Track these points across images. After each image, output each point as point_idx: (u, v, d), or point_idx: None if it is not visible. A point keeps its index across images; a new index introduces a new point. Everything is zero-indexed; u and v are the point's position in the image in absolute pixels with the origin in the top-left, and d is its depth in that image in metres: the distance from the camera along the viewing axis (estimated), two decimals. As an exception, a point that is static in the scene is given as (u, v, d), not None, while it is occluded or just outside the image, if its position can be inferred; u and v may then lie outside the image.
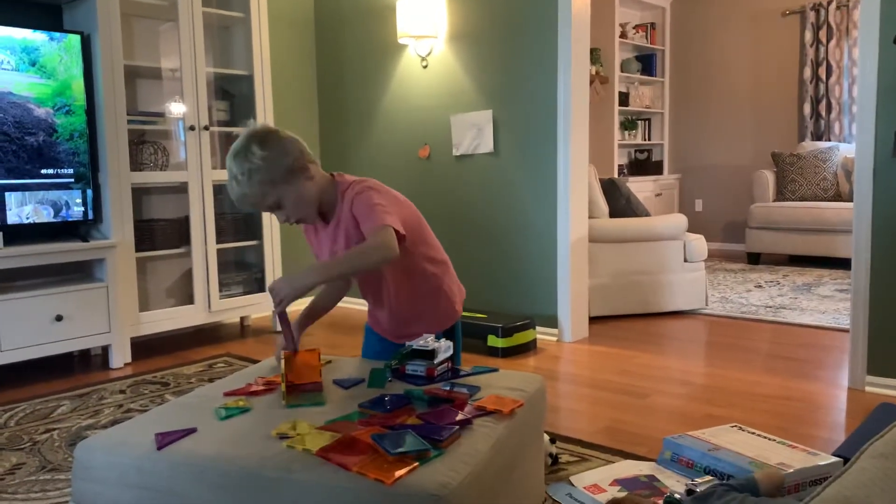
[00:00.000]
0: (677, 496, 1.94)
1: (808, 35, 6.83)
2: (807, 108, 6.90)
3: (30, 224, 3.37)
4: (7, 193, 3.29)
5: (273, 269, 4.27)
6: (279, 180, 1.89)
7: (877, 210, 2.93)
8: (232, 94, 4.36)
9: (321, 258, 2.10)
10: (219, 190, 4.20)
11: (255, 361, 3.53)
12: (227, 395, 1.82)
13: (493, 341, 3.68)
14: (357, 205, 1.93)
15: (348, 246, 1.97)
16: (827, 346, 3.72)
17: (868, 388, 3.00)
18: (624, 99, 7.27)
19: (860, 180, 2.97)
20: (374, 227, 1.84)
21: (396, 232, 1.84)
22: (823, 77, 6.79)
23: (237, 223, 4.23)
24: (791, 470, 1.90)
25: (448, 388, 1.80)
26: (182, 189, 3.94)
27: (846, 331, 3.82)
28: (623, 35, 7.20)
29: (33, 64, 3.33)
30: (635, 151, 7.79)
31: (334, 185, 2.00)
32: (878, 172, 2.92)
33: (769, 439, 2.14)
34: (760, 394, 2.99)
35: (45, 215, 3.42)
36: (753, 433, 2.20)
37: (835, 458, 1.99)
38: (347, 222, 1.96)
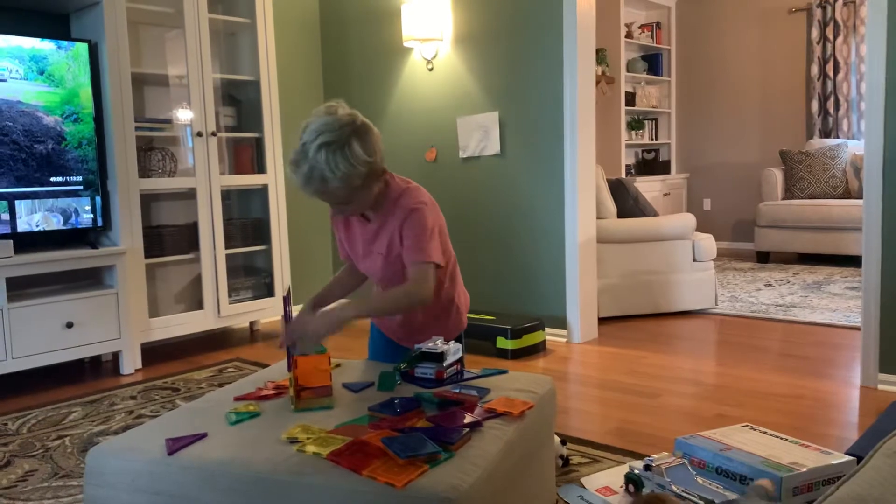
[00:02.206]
0: (637, 472, 1.94)
1: (815, 32, 6.80)
2: (814, 106, 6.87)
3: (40, 232, 3.39)
4: (17, 202, 3.31)
5: (282, 274, 4.28)
6: (364, 183, 1.83)
7: (887, 207, 2.92)
8: (239, 100, 4.38)
9: (352, 250, 2.09)
10: (227, 195, 4.22)
11: (264, 366, 3.54)
12: (237, 399, 1.83)
13: (503, 343, 3.67)
14: (410, 224, 1.89)
15: (388, 253, 1.95)
16: (838, 344, 3.70)
17: (881, 386, 2.98)
18: (630, 99, 7.26)
19: (870, 177, 2.95)
20: (420, 264, 1.86)
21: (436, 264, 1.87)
22: (831, 74, 6.76)
23: (245, 228, 4.24)
24: (804, 469, 1.89)
25: (458, 391, 1.80)
26: (190, 195, 3.95)
27: (857, 328, 3.79)
28: (629, 35, 7.19)
29: (42, 73, 3.35)
30: (642, 151, 7.77)
31: (386, 185, 1.95)
32: (888, 169, 2.90)
33: (781, 438, 2.13)
34: (772, 393, 2.98)
35: (55, 223, 3.44)
36: (765, 433, 2.19)
37: (848, 457, 1.97)
38: (394, 231, 1.93)
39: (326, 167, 1.75)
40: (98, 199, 3.56)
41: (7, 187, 3.27)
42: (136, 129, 3.67)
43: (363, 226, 2.02)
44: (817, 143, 6.60)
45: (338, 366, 2.09)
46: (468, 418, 1.60)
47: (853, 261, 5.94)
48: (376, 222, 1.98)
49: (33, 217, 3.37)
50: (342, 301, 1.85)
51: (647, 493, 1.85)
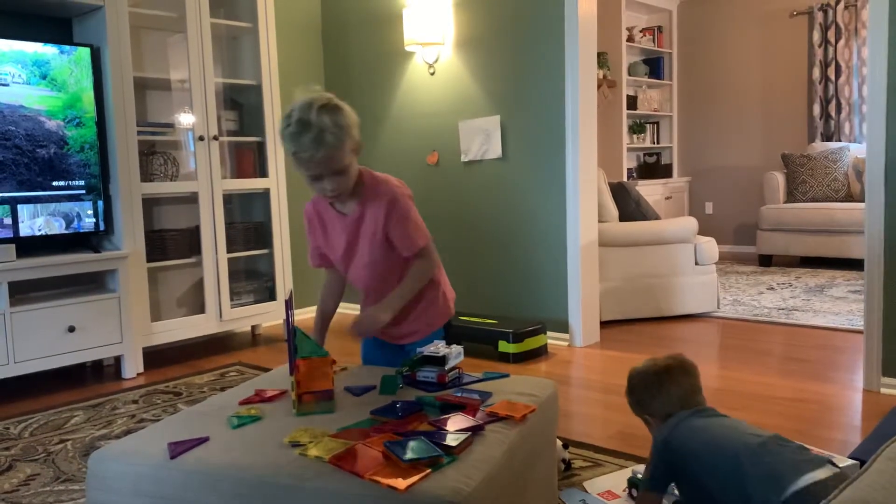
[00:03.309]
0: (639, 476, 1.95)
1: (817, 35, 6.80)
2: (816, 109, 6.87)
3: (42, 236, 3.40)
4: (20, 206, 3.32)
5: (283, 278, 4.28)
6: (354, 148, 1.94)
7: (889, 210, 2.91)
8: (240, 104, 4.39)
9: (332, 251, 2.11)
10: (228, 199, 4.22)
11: (266, 370, 3.54)
12: (241, 403, 1.83)
13: (504, 347, 3.67)
14: (395, 217, 2.00)
15: (371, 245, 2.02)
16: (841, 347, 3.69)
17: (883, 390, 2.97)
18: (632, 102, 7.26)
19: (871, 180, 2.95)
20: (418, 250, 2.03)
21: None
22: (833, 77, 6.76)
23: (247, 232, 4.24)
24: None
25: (460, 394, 1.80)
26: (192, 199, 3.95)
27: (860, 332, 3.78)
28: (630, 39, 7.19)
29: (44, 77, 3.36)
30: (644, 155, 7.77)
31: (360, 175, 2.02)
32: (890, 172, 2.90)
33: (784, 442, 2.12)
34: (774, 396, 2.97)
35: (57, 227, 3.44)
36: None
37: (851, 461, 1.97)
38: (376, 223, 2.00)
39: (333, 125, 1.86)
40: (100, 203, 3.57)
41: (9, 191, 3.28)
42: (139, 133, 3.68)
43: (341, 220, 2.05)
44: (819, 146, 6.60)
45: (343, 369, 2.09)
46: (470, 422, 1.60)
47: (855, 264, 5.92)
48: (355, 212, 2.02)
49: (36, 221, 3.37)
50: (371, 308, 2.03)
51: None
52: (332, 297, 2.24)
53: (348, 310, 3.97)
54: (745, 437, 1.59)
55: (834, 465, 1.51)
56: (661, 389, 1.80)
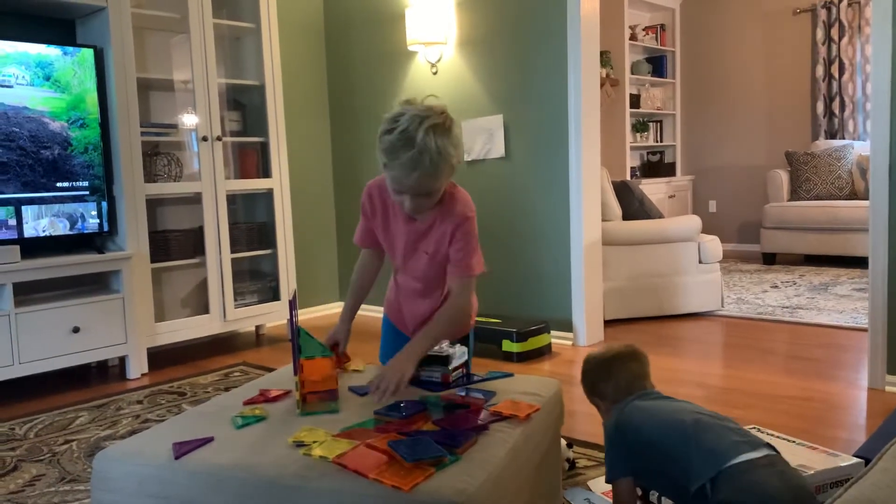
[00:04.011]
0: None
1: (820, 33, 6.79)
2: (820, 107, 6.85)
3: (46, 237, 3.41)
4: (24, 207, 3.33)
5: (287, 278, 4.28)
6: (451, 173, 1.85)
7: (893, 207, 2.91)
8: (244, 105, 4.39)
9: (389, 243, 2.06)
10: (232, 200, 4.22)
11: (270, 370, 3.54)
12: (246, 403, 1.83)
13: (508, 346, 3.67)
14: (462, 234, 1.92)
15: (435, 253, 1.97)
16: (845, 345, 3.69)
17: (888, 388, 2.96)
18: (635, 101, 7.25)
19: (875, 178, 2.94)
20: (465, 278, 1.94)
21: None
22: (836, 75, 6.74)
23: (251, 233, 4.25)
24: (812, 472, 1.88)
25: (464, 394, 1.80)
26: (196, 199, 3.96)
27: (865, 330, 3.78)
28: (633, 37, 7.19)
29: (48, 78, 3.36)
30: (647, 153, 7.77)
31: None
32: (894, 169, 2.89)
33: (789, 441, 2.12)
34: (779, 395, 2.97)
35: (62, 228, 3.45)
36: (773, 435, 2.18)
37: (856, 460, 1.96)
38: (445, 234, 1.94)
39: (436, 151, 1.73)
40: (104, 204, 3.57)
41: (14, 193, 3.29)
42: (142, 134, 3.69)
43: (408, 224, 1.98)
44: (823, 144, 6.58)
45: (358, 370, 2.08)
46: (474, 421, 1.60)
47: (860, 262, 5.91)
48: (426, 222, 1.95)
49: (40, 222, 3.38)
50: (406, 347, 1.88)
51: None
52: (367, 276, 2.18)
53: (369, 312, 4.00)
54: (689, 414, 1.66)
55: (772, 447, 1.57)
56: (612, 373, 1.89)
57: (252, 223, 4.31)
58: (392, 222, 2.02)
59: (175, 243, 3.91)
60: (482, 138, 4.21)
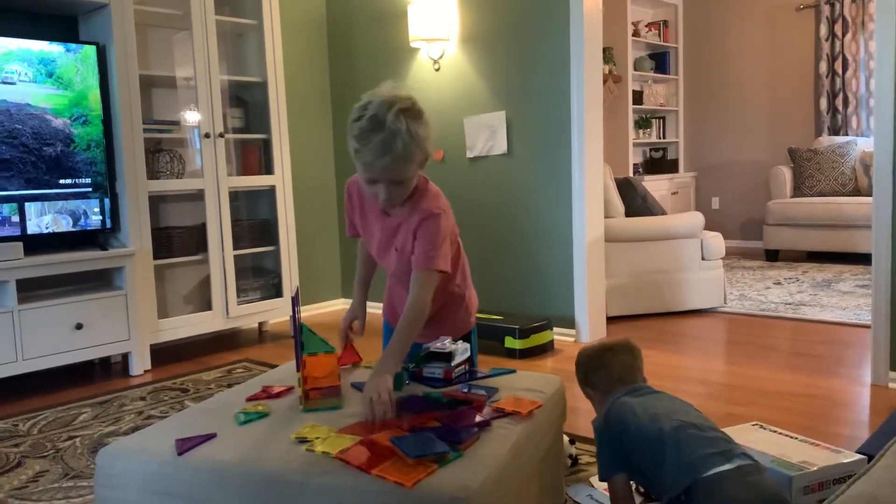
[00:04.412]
0: None
1: (824, 29, 6.77)
2: (823, 103, 6.84)
3: (49, 234, 3.41)
4: (27, 204, 3.33)
5: (290, 275, 4.29)
6: (422, 161, 1.83)
7: (897, 204, 2.90)
8: (246, 101, 4.39)
9: (366, 236, 2.07)
10: (234, 196, 4.23)
11: (272, 366, 3.55)
12: (249, 399, 1.83)
13: (511, 343, 3.67)
14: (425, 229, 1.88)
15: (400, 256, 1.95)
16: (848, 342, 3.68)
17: (891, 385, 2.96)
18: (638, 97, 7.24)
19: (879, 174, 2.93)
20: (424, 271, 1.86)
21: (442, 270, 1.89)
22: (840, 71, 6.73)
23: (253, 229, 4.25)
24: (814, 468, 1.88)
25: (466, 391, 1.80)
26: (198, 196, 3.96)
27: (868, 327, 3.77)
28: (636, 33, 7.17)
29: (50, 75, 3.36)
30: (650, 150, 7.76)
31: (415, 185, 1.93)
32: (898, 166, 2.88)
33: (791, 437, 2.12)
34: (782, 391, 2.96)
35: (64, 225, 3.46)
36: (775, 431, 2.18)
37: (859, 456, 1.96)
38: (407, 236, 1.93)
39: (408, 133, 1.73)
40: (107, 200, 3.58)
41: (17, 189, 3.29)
42: (145, 130, 3.69)
43: (382, 218, 1.99)
44: (826, 140, 6.57)
45: (365, 366, 2.09)
46: (477, 418, 1.60)
47: (863, 258, 5.90)
48: (398, 217, 1.95)
49: (43, 219, 3.39)
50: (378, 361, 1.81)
51: None
52: (368, 271, 2.19)
53: (374, 308, 4.00)
54: (670, 422, 1.66)
55: (747, 456, 1.59)
56: (603, 364, 1.93)
57: (254, 220, 4.31)
58: (369, 219, 2.03)
59: (178, 240, 3.91)
60: (485, 135, 4.21)
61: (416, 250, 1.90)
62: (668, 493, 1.58)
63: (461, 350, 1.93)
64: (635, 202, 4.67)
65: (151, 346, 3.72)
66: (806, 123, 7.02)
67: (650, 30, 7.49)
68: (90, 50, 3.48)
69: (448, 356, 1.89)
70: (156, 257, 3.74)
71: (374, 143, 1.72)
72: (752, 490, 1.52)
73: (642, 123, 7.50)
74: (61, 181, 3.43)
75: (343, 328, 2.14)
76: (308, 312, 4.88)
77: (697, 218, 4.55)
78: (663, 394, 1.85)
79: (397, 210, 1.94)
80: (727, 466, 1.54)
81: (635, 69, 7.17)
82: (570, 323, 3.95)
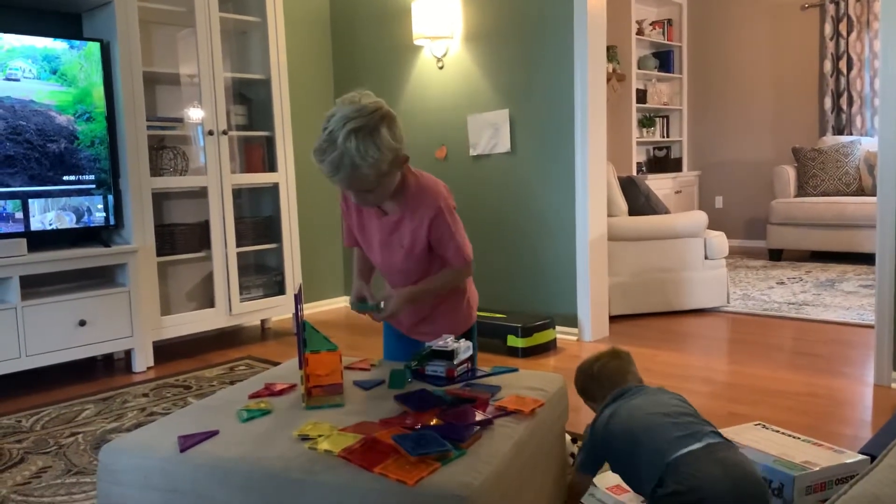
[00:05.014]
0: None
1: (828, 28, 6.75)
2: (827, 102, 6.82)
3: (53, 230, 3.42)
4: (30, 200, 3.34)
5: (293, 272, 4.29)
6: (390, 170, 1.85)
7: (901, 204, 2.89)
8: (249, 99, 4.39)
9: (364, 240, 2.09)
10: (238, 194, 4.23)
11: (275, 363, 3.55)
12: (251, 396, 1.83)
13: (513, 341, 3.67)
14: (440, 225, 1.96)
15: (408, 254, 1.98)
16: (851, 342, 3.67)
17: (894, 385, 2.95)
18: (641, 96, 7.23)
19: (883, 174, 2.93)
20: (462, 261, 2.01)
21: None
22: (844, 70, 6.71)
23: (256, 227, 4.25)
24: (817, 468, 1.88)
25: (468, 389, 1.80)
26: (202, 193, 3.97)
27: (871, 327, 3.77)
28: (640, 32, 7.16)
29: (54, 72, 3.37)
30: (654, 149, 7.74)
31: (404, 178, 1.96)
32: (902, 166, 2.87)
33: (794, 437, 2.11)
34: (784, 391, 2.96)
35: (68, 221, 3.46)
36: (778, 431, 2.17)
37: (861, 456, 1.96)
38: (419, 228, 1.95)
39: (357, 153, 1.76)
40: (110, 197, 3.58)
41: (20, 186, 3.30)
42: (148, 127, 3.69)
43: (379, 218, 2.01)
44: (830, 139, 6.55)
45: (373, 366, 2.09)
46: (479, 416, 1.60)
47: (866, 258, 5.89)
48: (395, 214, 1.97)
49: (46, 216, 3.39)
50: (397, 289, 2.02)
51: None
52: (367, 267, 2.21)
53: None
54: (640, 421, 1.71)
55: (718, 434, 1.64)
56: (594, 376, 2.01)
57: (258, 217, 4.32)
58: (366, 219, 2.06)
59: (181, 237, 3.92)
60: (488, 133, 4.20)
61: (445, 254, 2.00)
62: (647, 485, 1.61)
63: (464, 348, 1.93)
64: (638, 201, 4.67)
65: (154, 342, 3.73)
66: (810, 123, 7.01)
67: (654, 28, 7.48)
68: (94, 47, 3.49)
69: (450, 354, 1.89)
70: (159, 254, 3.75)
71: (326, 161, 1.78)
72: (721, 466, 1.54)
73: (646, 122, 7.49)
74: (65, 178, 3.44)
75: (353, 300, 2.13)
76: (311, 310, 4.89)
77: (701, 217, 4.55)
78: (651, 389, 1.88)
79: (389, 206, 1.98)
80: (696, 446, 1.57)
81: (639, 68, 7.16)
82: (572, 322, 3.95)
